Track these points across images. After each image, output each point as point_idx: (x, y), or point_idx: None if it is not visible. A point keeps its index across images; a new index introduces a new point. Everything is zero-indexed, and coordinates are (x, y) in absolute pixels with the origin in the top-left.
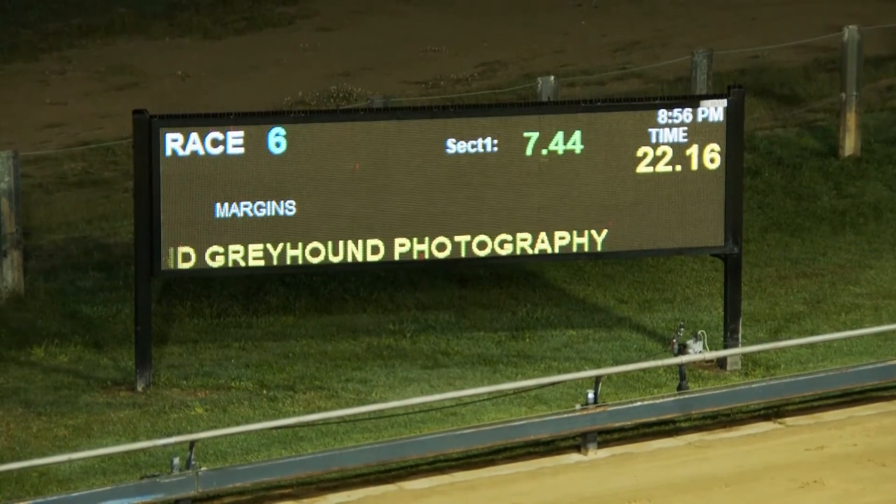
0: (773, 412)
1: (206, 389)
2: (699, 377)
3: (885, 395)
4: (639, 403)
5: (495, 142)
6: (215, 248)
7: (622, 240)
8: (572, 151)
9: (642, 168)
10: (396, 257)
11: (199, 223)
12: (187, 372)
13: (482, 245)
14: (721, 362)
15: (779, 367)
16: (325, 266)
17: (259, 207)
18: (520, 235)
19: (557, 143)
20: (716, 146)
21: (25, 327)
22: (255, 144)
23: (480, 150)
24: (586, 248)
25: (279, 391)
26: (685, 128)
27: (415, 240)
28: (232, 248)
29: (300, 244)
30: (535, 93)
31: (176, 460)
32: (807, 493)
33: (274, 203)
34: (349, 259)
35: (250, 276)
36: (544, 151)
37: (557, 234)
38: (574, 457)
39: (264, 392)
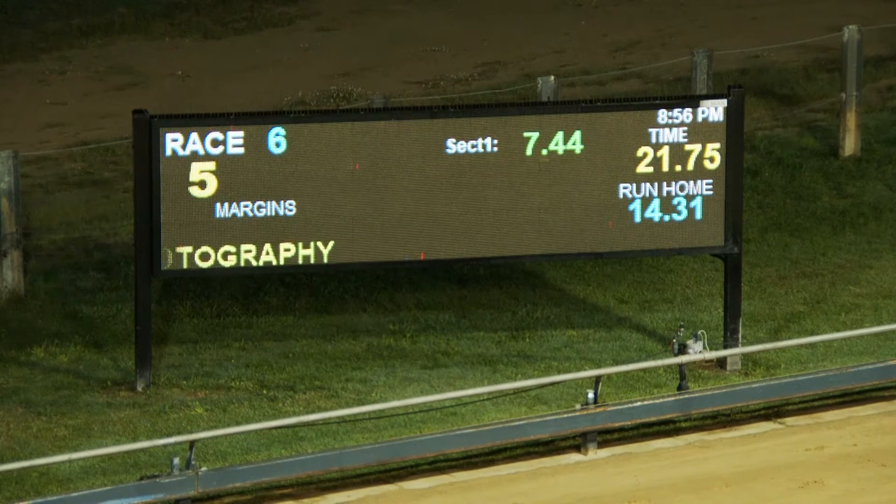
0: (773, 412)
1: (206, 389)
2: (699, 377)
3: (885, 395)
4: (639, 403)
5: (495, 142)
6: (215, 248)
7: (622, 240)
8: (572, 151)
9: (642, 168)
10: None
11: (199, 223)
12: (187, 372)
13: (479, 247)
14: (721, 362)
15: (779, 367)
16: (326, 266)
17: (259, 207)
18: (520, 235)
19: (557, 144)
20: (716, 146)
21: (25, 327)
22: (255, 144)
23: (480, 150)
24: (586, 248)
25: (279, 391)
26: (685, 128)
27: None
28: (232, 248)
29: (300, 244)
30: (535, 93)
31: (176, 460)
32: (807, 493)
33: (274, 203)
34: (349, 259)
35: (250, 276)
36: (544, 151)
37: (556, 234)
38: (574, 457)
39: (264, 392)
